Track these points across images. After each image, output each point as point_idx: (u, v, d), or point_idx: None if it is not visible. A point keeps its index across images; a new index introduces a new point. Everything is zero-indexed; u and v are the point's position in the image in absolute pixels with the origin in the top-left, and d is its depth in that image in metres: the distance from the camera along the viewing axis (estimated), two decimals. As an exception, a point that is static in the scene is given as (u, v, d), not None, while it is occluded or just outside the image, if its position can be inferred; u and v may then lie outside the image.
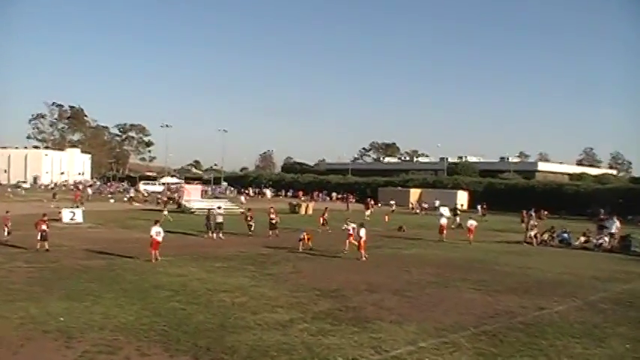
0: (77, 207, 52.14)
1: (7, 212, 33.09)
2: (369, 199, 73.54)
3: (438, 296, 20.28)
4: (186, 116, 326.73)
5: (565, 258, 32.35)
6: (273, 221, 39.27)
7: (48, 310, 15.87)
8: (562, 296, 20.69)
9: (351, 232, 31.46)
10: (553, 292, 21.56)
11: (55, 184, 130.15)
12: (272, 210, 40.29)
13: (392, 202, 77.64)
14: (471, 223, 40.86)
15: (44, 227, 28.47)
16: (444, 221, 41.62)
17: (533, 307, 18.78)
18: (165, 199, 75.86)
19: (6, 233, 31.05)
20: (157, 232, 26.25)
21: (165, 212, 49.20)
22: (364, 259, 28.52)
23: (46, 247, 27.84)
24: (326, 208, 50.06)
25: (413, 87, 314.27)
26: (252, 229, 39.75)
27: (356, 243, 29.88)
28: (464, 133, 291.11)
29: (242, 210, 55.64)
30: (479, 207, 72.82)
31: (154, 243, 26.02)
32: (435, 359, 12.97)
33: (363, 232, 29.36)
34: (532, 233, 40.42)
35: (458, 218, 52.11)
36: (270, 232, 38.54)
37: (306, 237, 32.05)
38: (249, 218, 40.53)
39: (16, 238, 30.84)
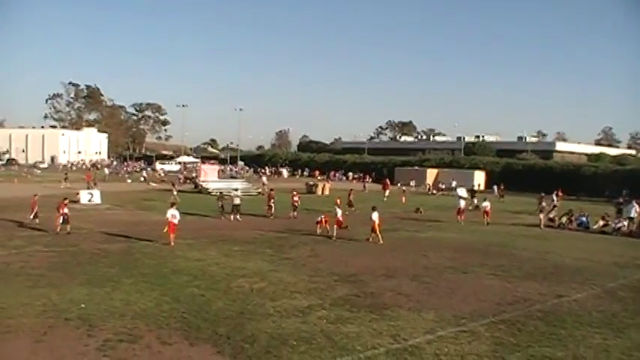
0: (89, 188, 52.58)
1: (35, 195, 33.19)
2: (386, 180, 73.37)
3: (456, 282, 20.25)
4: (202, 95, 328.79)
5: (583, 242, 32.14)
6: (296, 203, 39.74)
7: (69, 297, 16.03)
8: (580, 283, 20.59)
9: (339, 216, 31.38)
10: (571, 278, 21.44)
11: (69, 165, 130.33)
12: (295, 192, 40.56)
13: (412, 184, 77.38)
14: (486, 204, 40.90)
15: (66, 210, 28.71)
16: (462, 204, 41.50)
17: (552, 294, 18.72)
18: (181, 179, 76.15)
19: (32, 217, 31.23)
20: (172, 214, 26.39)
21: (175, 192, 48.83)
22: (381, 242, 28.48)
23: (68, 229, 28.10)
24: (351, 189, 49.84)
25: (430, 65, 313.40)
26: (273, 210, 39.83)
27: (328, 227, 30.03)
28: (481, 111, 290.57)
29: (260, 190, 55.92)
30: (495, 187, 72.43)
31: (171, 226, 26.14)
32: (454, 349, 12.97)
33: (375, 215, 29.26)
34: (552, 215, 40.30)
35: (475, 200, 51.85)
36: (292, 214, 38.95)
37: (324, 220, 32.02)
38: (271, 199, 40.71)
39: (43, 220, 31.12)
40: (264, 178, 74.98)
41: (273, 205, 40.02)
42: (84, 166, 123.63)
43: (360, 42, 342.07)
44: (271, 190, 44.50)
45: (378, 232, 29.05)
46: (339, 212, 31.72)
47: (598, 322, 15.56)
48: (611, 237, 35.22)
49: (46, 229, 28.80)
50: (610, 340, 14.06)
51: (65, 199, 30.11)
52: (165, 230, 26.05)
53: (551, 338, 14.01)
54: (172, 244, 25.56)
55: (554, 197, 51.44)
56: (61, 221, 28.31)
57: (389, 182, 69.64)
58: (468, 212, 43.09)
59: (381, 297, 17.64)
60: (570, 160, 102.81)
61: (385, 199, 58.41)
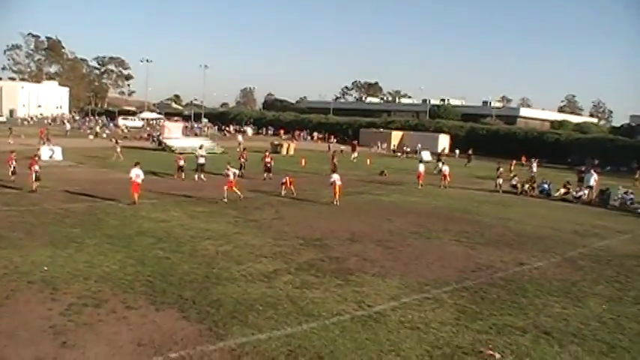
0: (42, 144, 51.67)
1: (11, 152, 32.46)
2: (355, 141, 73.57)
3: (421, 248, 20.43)
4: (166, 50, 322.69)
5: (545, 210, 32.67)
6: (269, 164, 39.34)
7: (31, 259, 15.75)
8: (542, 251, 20.95)
9: (230, 177, 29.50)
10: (533, 246, 21.81)
11: (29, 118, 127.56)
12: (267, 153, 40.30)
13: (382, 145, 77.48)
14: (445, 168, 42.00)
15: (37, 167, 28.31)
16: (421, 168, 41.68)
17: (514, 262, 19.03)
18: (147, 136, 75.15)
19: (10, 173, 30.49)
20: (136, 174, 26.08)
21: (119, 149, 47.87)
22: (337, 204, 28.81)
23: (34, 187, 27.72)
24: (334, 151, 49.40)
25: (396, 26, 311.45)
26: (244, 169, 39.52)
27: (236, 190, 29.29)
28: (447, 75, 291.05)
29: (231, 149, 55.60)
30: (457, 151, 73.21)
31: (134, 185, 25.88)
32: (418, 316, 13.10)
33: (335, 177, 29.32)
34: (514, 182, 40.95)
35: (440, 164, 52.24)
36: (265, 176, 38.65)
37: (288, 181, 31.98)
38: (242, 158, 40.44)
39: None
40: (240, 137, 74.39)
41: (244, 163, 39.83)
42: (48, 121, 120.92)
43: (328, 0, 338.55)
44: (244, 149, 44.31)
45: (338, 194, 29.26)
46: (232, 172, 30.18)
47: (558, 291, 15.86)
48: (572, 205, 35.89)
49: (20, 186, 28.33)
50: (569, 309, 14.35)
51: (36, 155, 29.63)
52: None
53: (512, 307, 14.23)
54: (136, 203, 25.31)
55: (534, 165, 52.25)
56: (33, 178, 27.88)
57: (357, 143, 70.09)
58: (432, 176, 43.44)
59: (346, 262, 17.72)
60: (534, 126, 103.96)
61: (354, 160, 58.65)
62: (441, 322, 12.77)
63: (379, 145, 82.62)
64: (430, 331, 12.22)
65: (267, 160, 39.51)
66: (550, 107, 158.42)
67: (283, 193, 31.35)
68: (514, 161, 55.88)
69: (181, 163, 36.94)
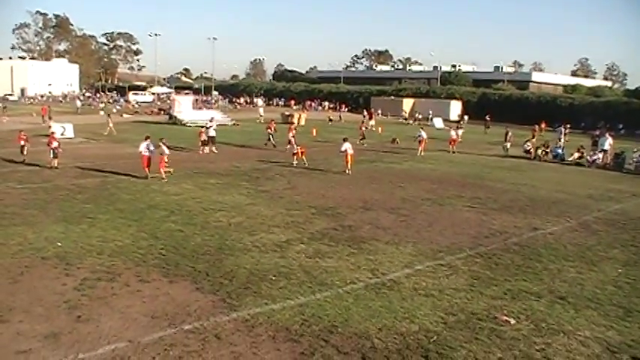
0: (44, 122, 51.76)
1: (20, 131, 32.38)
2: (372, 109, 73.54)
3: (434, 215, 20.35)
4: (174, 24, 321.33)
5: (559, 175, 32.44)
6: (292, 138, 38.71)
7: (45, 235, 15.81)
8: (556, 216, 20.80)
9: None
10: (547, 211, 21.66)
11: (37, 96, 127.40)
12: (292, 127, 39.82)
13: (404, 114, 76.49)
14: (452, 134, 42.40)
15: (55, 144, 28.39)
16: (423, 135, 40.38)
17: (528, 227, 18.92)
18: (157, 110, 75.08)
19: (20, 152, 30.30)
20: (145, 147, 26.09)
21: (111, 124, 47.34)
22: (349, 173, 28.75)
23: (55, 164, 27.98)
24: (362, 121, 48.81)
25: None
26: (273, 140, 39.62)
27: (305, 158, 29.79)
28: (458, 41, 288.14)
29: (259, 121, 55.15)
30: (466, 117, 72.88)
31: (144, 159, 25.92)
32: (432, 283, 13.06)
33: (347, 146, 29.16)
34: (527, 147, 40.64)
35: (460, 131, 51.75)
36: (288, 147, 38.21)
37: (299, 151, 31.90)
38: (270, 129, 40.46)
39: (8, 154, 30.65)
40: (260, 110, 74.28)
41: (272, 135, 39.72)
42: (59, 99, 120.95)
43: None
44: (271, 120, 44.21)
45: (350, 162, 29.13)
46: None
47: (573, 256, 15.75)
48: (587, 169, 35.61)
49: (40, 163, 28.53)
50: (584, 274, 14.23)
51: (53, 133, 29.79)
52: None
53: (527, 272, 14.15)
54: (148, 178, 25.34)
55: (562, 131, 50.97)
56: (51, 155, 28.07)
57: (373, 111, 70.20)
58: (439, 143, 43.31)
59: (359, 230, 17.68)
60: (546, 90, 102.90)
61: (373, 129, 58.53)
62: (455, 289, 12.72)
63: (404, 114, 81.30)
64: (444, 297, 12.17)
65: (291, 135, 38.83)
66: (563, 71, 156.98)
67: (295, 163, 31.27)
68: (537, 126, 54.25)
69: (203, 137, 36.77)
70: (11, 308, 10.87)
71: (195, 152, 35.76)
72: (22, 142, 30.10)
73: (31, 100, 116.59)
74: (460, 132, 49.71)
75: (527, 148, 40.62)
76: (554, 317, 11.32)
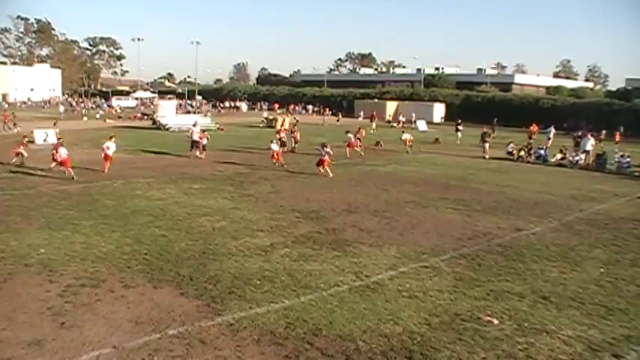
0: (6, 130, 51.46)
1: (24, 137, 33.23)
2: (374, 113, 73.79)
3: (417, 217, 20.43)
4: (158, 28, 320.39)
5: (542, 176, 32.64)
6: (284, 139, 39.47)
7: (28, 242, 15.67)
8: (539, 216, 20.95)
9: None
10: (530, 212, 21.81)
11: (16, 102, 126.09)
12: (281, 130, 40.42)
13: (402, 118, 76.40)
14: (406, 136, 44.06)
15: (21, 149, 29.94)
16: (407, 135, 44.06)
17: (511, 228, 19.03)
18: (140, 115, 74.78)
19: (14, 160, 30.58)
20: (107, 146, 28.63)
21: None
22: (329, 174, 29.11)
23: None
24: (359, 128, 49.06)
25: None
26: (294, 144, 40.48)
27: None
28: (440, 43, 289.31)
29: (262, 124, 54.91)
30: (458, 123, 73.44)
31: (105, 156, 28.30)
32: (416, 285, 13.11)
33: (327, 149, 29.64)
34: (510, 148, 40.84)
35: (459, 134, 51.89)
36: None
37: (276, 154, 32.45)
38: (279, 134, 40.18)
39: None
40: (264, 114, 74.56)
41: (283, 139, 39.41)
42: (42, 105, 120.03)
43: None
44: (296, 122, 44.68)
45: (325, 166, 29.58)
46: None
47: (556, 256, 15.88)
48: (569, 170, 35.90)
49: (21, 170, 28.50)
50: (567, 273, 14.36)
51: (60, 139, 31.85)
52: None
53: (510, 272, 14.25)
54: (105, 172, 27.62)
55: (551, 132, 51.59)
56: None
57: (375, 115, 70.91)
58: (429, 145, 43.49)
59: (343, 233, 17.72)
60: (529, 92, 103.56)
61: (373, 132, 59.00)
62: (439, 290, 12.79)
63: (402, 117, 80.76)
64: (428, 299, 12.23)
65: (281, 135, 39.58)
66: (545, 73, 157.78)
67: (277, 164, 31.58)
68: (533, 127, 54.59)
69: (204, 141, 36.71)
70: (-6, 316, 10.80)
71: (185, 157, 35.60)
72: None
73: (7, 104, 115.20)
74: (459, 135, 50.14)
75: (510, 150, 40.82)
76: (537, 317, 11.42)
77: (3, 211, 19.61)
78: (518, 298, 12.47)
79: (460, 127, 53.62)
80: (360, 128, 47.17)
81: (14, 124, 53.89)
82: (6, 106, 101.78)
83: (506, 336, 10.53)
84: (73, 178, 26.07)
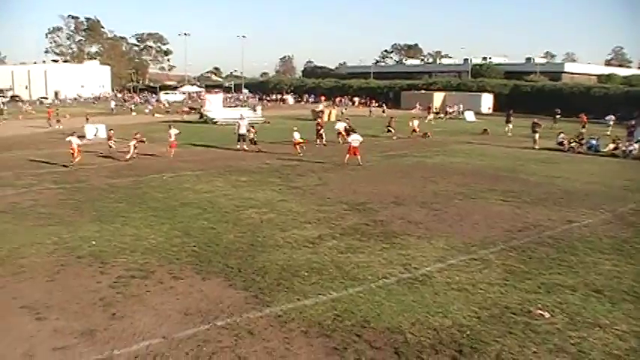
0: (50, 126, 52.24)
1: (110, 130, 36.88)
2: (430, 104, 73.49)
3: (466, 209, 20.18)
4: (204, 23, 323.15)
5: (593, 166, 31.91)
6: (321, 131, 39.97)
7: (80, 234, 16.01)
8: (591, 208, 20.45)
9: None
10: (582, 203, 21.31)
11: (66, 99, 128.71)
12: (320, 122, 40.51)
13: (451, 109, 75.90)
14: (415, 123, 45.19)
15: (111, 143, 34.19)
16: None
17: (562, 220, 18.65)
18: (187, 109, 75.51)
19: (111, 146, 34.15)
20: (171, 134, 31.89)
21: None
22: (350, 164, 29.38)
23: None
24: (391, 118, 49.14)
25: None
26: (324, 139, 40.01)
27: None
28: (488, 32, 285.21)
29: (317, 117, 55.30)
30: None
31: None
32: (465, 277, 12.96)
33: (353, 137, 29.84)
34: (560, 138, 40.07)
35: (511, 125, 50.88)
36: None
37: (297, 142, 33.66)
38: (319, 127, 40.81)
39: (44, 156, 31.07)
40: (320, 105, 74.91)
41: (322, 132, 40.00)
42: (92, 101, 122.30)
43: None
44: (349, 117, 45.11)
45: (352, 155, 29.68)
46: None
47: (609, 248, 15.49)
48: (622, 160, 34.99)
49: (57, 162, 29.37)
50: (621, 266, 14.00)
51: (137, 132, 34.44)
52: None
53: (561, 265, 13.96)
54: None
55: (611, 120, 50.80)
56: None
57: (431, 107, 70.84)
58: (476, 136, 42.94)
59: (391, 225, 17.62)
60: (580, 81, 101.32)
61: (433, 122, 59.97)
62: (489, 283, 12.62)
63: (452, 109, 79.96)
64: (478, 292, 12.08)
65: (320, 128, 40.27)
66: (597, 61, 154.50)
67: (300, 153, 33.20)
68: (583, 116, 53.39)
69: (251, 135, 36.98)
70: (48, 306, 11.05)
71: (232, 150, 35.97)
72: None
73: (54, 101, 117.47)
74: (510, 126, 49.23)
75: (561, 140, 40.00)
76: (589, 311, 11.17)
77: (56, 204, 20.08)
78: (570, 291, 12.21)
79: (511, 119, 52.58)
80: (392, 118, 47.10)
81: (57, 121, 54.52)
82: (51, 102, 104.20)
83: (558, 330, 10.33)
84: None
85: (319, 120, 40.08)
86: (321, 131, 39.49)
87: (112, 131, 37.04)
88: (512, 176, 27.41)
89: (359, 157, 29.38)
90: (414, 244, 15.62)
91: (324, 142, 38.73)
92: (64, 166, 28.30)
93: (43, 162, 29.79)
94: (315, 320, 10.49)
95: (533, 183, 25.62)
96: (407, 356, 9.29)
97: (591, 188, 24.53)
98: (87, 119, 48.59)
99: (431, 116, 64.90)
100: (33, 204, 20.14)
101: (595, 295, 11.97)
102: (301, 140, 33.94)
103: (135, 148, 31.21)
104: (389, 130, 45.66)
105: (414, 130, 45.25)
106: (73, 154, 28.54)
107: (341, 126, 40.71)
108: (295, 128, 35.24)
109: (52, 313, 10.75)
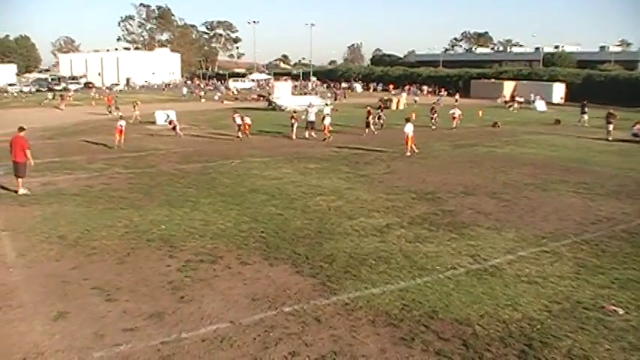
0: (110, 113, 53.12)
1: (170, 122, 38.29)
2: (514, 93, 72.72)
3: (537, 200, 19.77)
4: (273, 11, 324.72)
5: (671, 158, 30.78)
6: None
7: (150, 218, 16.41)
8: (668, 202, 19.78)
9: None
10: (658, 196, 20.64)
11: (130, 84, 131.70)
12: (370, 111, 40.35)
13: (519, 99, 74.64)
14: (453, 111, 44.16)
15: (239, 121, 35.08)
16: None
17: (636, 213, 18.03)
18: (256, 96, 76.05)
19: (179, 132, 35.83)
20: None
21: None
22: (408, 154, 28.92)
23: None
24: (434, 104, 49.20)
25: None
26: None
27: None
28: (560, 20, 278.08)
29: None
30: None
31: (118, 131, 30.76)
32: (536, 270, 12.70)
33: (408, 128, 29.28)
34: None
35: (586, 116, 49.46)
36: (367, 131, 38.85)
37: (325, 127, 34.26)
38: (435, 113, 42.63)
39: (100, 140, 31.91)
40: (403, 95, 76.25)
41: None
42: (162, 88, 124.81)
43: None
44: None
45: (409, 144, 29.28)
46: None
47: (687, 244, 14.95)
48: None
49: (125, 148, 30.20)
50: (701, 263, 13.50)
51: (235, 111, 37.38)
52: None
53: (636, 260, 13.48)
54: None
55: None
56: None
57: (516, 95, 70.79)
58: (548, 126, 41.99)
59: (460, 215, 17.42)
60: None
61: (516, 112, 61.33)
62: (560, 277, 12.32)
63: (520, 98, 78.30)
64: (548, 285, 11.81)
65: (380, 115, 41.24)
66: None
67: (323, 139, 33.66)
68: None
69: (327, 121, 36.46)
70: (118, 288, 11.34)
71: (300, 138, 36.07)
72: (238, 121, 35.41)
73: (111, 87, 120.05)
74: (586, 117, 47.79)
75: (636, 132, 38.71)
76: (667, 307, 10.81)
77: (127, 188, 20.63)
78: (646, 287, 11.83)
79: (586, 109, 51.00)
80: (434, 105, 46.80)
81: (116, 108, 54.01)
82: (122, 89, 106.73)
83: (633, 327, 10.00)
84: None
85: (369, 108, 39.46)
86: (374, 119, 39.75)
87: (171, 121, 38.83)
88: (585, 168, 26.69)
89: (409, 146, 29.19)
90: (483, 234, 15.40)
91: (375, 130, 38.76)
92: (107, 146, 30.40)
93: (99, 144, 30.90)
94: (382, 309, 10.45)
95: (606, 175, 24.88)
96: (475, 348, 9.16)
97: (669, 181, 23.68)
98: (134, 106, 48.01)
99: (515, 105, 64.91)
100: (104, 187, 20.79)
101: (673, 292, 11.55)
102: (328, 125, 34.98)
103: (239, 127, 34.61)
104: (432, 119, 45.16)
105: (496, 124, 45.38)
106: (118, 135, 30.42)
107: (457, 112, 43.84)
108: (324, 115, 36.40)
109: (122, 294, 11.02)
